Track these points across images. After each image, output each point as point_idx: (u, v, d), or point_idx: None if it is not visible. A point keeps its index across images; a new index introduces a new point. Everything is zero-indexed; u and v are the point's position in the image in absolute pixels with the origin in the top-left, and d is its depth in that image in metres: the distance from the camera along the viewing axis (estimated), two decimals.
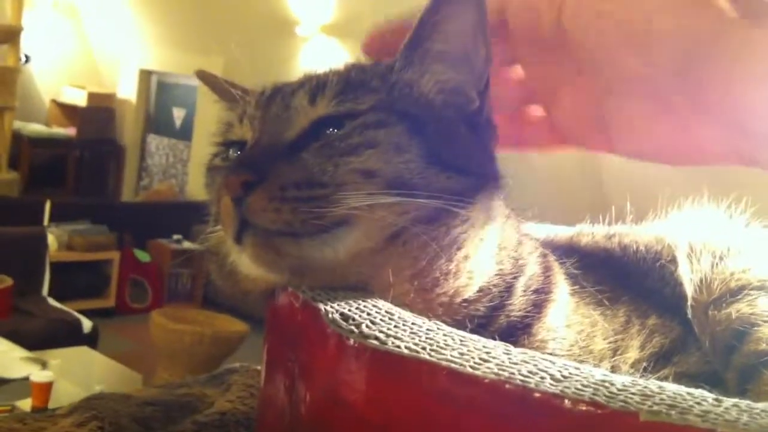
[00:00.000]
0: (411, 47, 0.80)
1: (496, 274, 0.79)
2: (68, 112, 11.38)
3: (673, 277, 0.90)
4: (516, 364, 0.56)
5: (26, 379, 3.85)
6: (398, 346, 0.59)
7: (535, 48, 0.82)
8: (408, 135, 0.75)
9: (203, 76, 0.96)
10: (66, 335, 5.61)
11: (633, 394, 0.52)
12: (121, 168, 11.30)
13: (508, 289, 0.79)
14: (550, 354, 0.68)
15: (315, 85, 0.80)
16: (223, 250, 0.79)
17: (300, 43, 8.10)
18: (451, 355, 0.57)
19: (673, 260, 0.91)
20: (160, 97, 11.16)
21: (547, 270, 0.84)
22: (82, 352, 5.20)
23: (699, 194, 0.98)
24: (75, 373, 4.41)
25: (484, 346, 0.60)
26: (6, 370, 4.23)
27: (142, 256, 8.47)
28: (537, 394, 0.52)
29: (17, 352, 4.53)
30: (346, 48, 7.59)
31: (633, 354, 0.81)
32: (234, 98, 0.89)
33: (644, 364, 0.80)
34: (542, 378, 0.54)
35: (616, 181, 5.46)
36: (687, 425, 0.48)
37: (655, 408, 0.50)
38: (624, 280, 0.91)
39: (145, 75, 10.98)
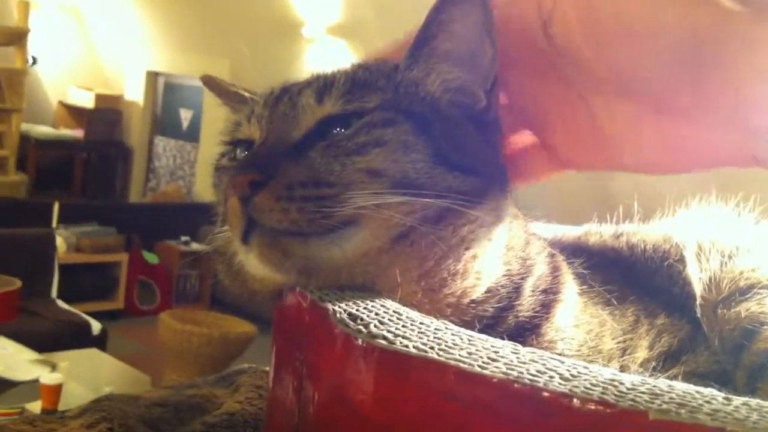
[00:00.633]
0: (417, 46, 0.80)
1: (504, 275, 0.79)
2: (75, 113, 11.41)
3: (682, 277, 0.90)
4: (524, 363, 0.56)
5: (35, 381, 3.85)
6: (406, 346, 0.59)
7: (524, 71, 0.82)
8: (415, 134, 0.75)
9: (208, 82, 0.96)
10: (75, 337, 5.62)
11: (642, 393, 0.51)
12: (128, 169, 11.33)
13: (517, 290, 0.79)
14: (559, 354, 0.68)
15: (322, 85, 0.80)
16: (231, 250, 0.79)
17: (306, 44, 8.10)
18: (460, 355, 0.57)
19: (681, 259, 0.90)
20: (167, 98, 11.18)
21: (555, 270, 0.84)
22: (91, 354, 5.20)
23: (707, 193, 0.98)
24: (84, 375, 4.42)
25: (492, 346, 0.59)
26: (15, 372, 4.23)
27: (151, 257, 8.49)
28: (546, 394, 0.52)
29: (26, 354, 4.53)
30: (352, 49, 7.59)
31: (642, 353, 0.81)
32: (241, 99, 0.89)
33: (653, 363, 0.79)
34: (551, 377, 0.54)
35: (624, 180, 5.45)
36: (696, 424, 0.48)
37: (665, 407, 0.49)
38: (632, 279, 0.91)
39: (152, 76, 11.00)
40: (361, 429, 0.61)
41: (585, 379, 0.53)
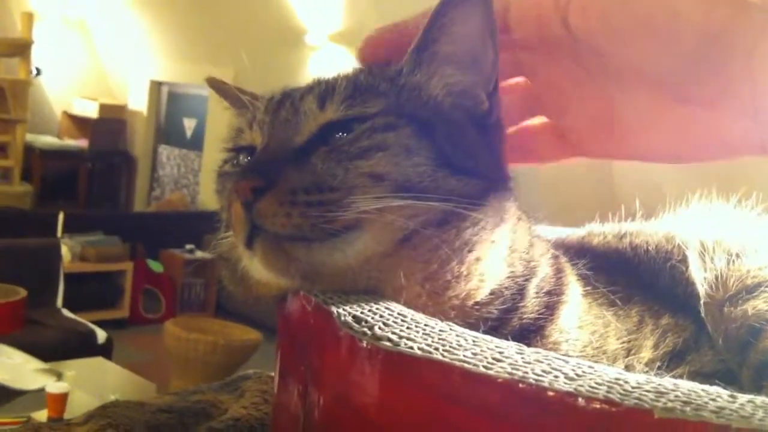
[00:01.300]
0: (419, 50, 0.80)
1: (508, 277, 0.79)
2: (79, 123, 11.45)
3: (684, 277, 0.89)
4: (529, 363, 0.56)
5: (41, 390, 3.86)
6: (411, 347, 0.59)
7: (541, 54, 0.82)
8: (417, 138, 0.75)
9: (213, 83, 0.97)
10: (80, 346, 5.63)
11: (647, 391, 0.51)
12: (132, 179, 11.35)
13: (520, 292, 0.79)
14: (564, 355, 0.68)
15: (324, 90, 0.80)
16: (235, 256, 0.79)
17: (309, 51, 8.12)
18: (464, 356, 0.57)
19: (684, 260, 0.90)
20: (170, 107, 11.21)
21: (558, 271, 0.84)
22: (97, 362, 5.21)
23: (707, 190, 0.98)
24: (90, 384, 4.42)
25: (497, 346, 0.59)
26: (21, 381, 4.24)
27: (155, 266, 8.50)
28: (551, 393, 0.52)
29: (32, 363, 4.54)
30: (354, 56, 7.59)
31: (647, 354, 0.80)
32: (244, 104, 0.89)
33: (658, 363, 0.79)
34: (556, 377, 0.54)
35: (626, 179, 5.45)
36: (701, 421, 0.48)
37: (670, 405, 0.49)
38: (636, 280, 0.91)
39: (156, 86, 11.03)
40: (367, 431, 0.61)
41: (590, 379, 0.53)
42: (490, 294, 0.77)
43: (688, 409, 0.49)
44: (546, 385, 0.53)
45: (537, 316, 0.78)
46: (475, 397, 0.55)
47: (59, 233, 7.42)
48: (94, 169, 11.37)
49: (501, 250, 0.78)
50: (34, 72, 10.26)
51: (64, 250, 7.21)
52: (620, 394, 0.51)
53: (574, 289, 0.83)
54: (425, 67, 0.80)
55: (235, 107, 0.93)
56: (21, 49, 9.44)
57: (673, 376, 0.70)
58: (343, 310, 0.66)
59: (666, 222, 1.01)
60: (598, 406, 0.51)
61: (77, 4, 11.07)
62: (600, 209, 1.07)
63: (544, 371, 0.54)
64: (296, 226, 0.71)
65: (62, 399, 3.61)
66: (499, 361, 0.56)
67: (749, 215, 0.95)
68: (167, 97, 11.21)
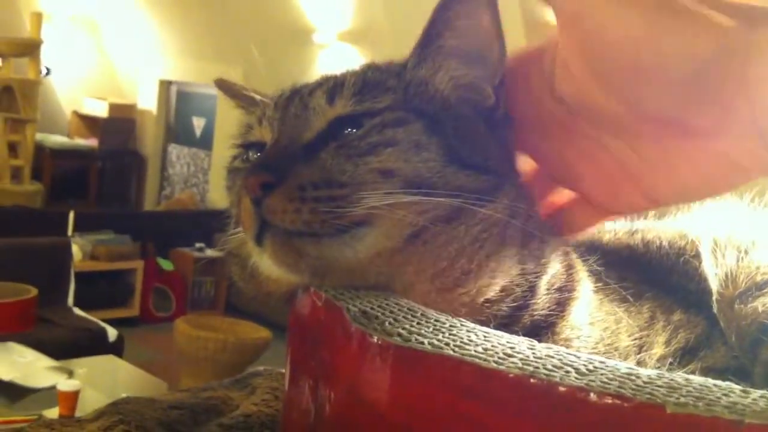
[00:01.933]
0: (424, 44, 0.80)
1: (519, 274, 0.78)
2: (89, 123, 11.49)
3: (698, 273, 0.89)
4: (540, 358, 0.56)
5: (53, 388, 3.87)
6: (421, 343, 0.59)
7: (542, 133, 0.81)
8: (426, 133, 0.75)
9: (222, 84, 0.97)
10: (91, 344, 5.64)
11: (659, 386, 0.51)
12: (142, 178, 11.39)
13: (531, 288, 0.79)
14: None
15: (333, 85, 0.80)
16: (244, 252, 0.79)
17: (317, 50, 8.12)
18: (475, 351, 0.57)
19: (697, 255, 0.90)
20: (180, 106, 11.23)
21: (569, 268, 0.84)
22: (108, 360, 5.22)
23: None
24: (101, 382, 4.44)
25: (508, 342, 0.59)
26: (33, 379, 4.25)
27: (166, 264, 8.52)
28: (562, 388, 0.52)
29: (43, 361, 4.56)
30: (363, 55, 7.60)
31: (658, 350, 0.80)
32: (254, 102, 0.89)
33: (670, 359, 0.79)
34: (567, 372, 0.53)
35: None
36: (714, 416, 0.48)
37: (682, 400, 0.49)
38: (648, 276, 0.91)
39: (165, 85, 11.06)
40: (378, 427, 0.61)
41: (601, 374, 0.53)
42: (501, 291, 0.76)
43: (700, 404, 0.49)
44: (557, 380, 0.52)
45: (548, 312, 0.78)
46: (486, 393, 0.55)
47: (70, 232, 7.45)
48: (104, 169, 11.41)
49: (511, 247, 0.78)
50: (44, 72, 10.29)
51: (75, 249, 7.23)
52: (632, 389, 0.51)
53: (585, 285, 0.83)
54: (431, 62, 0.80)
55: (245, 105, 0.93)
56: (30, 49, 9.47)
57: (686, 373, 0.70)
58: (354, 305, 0.66)
59: (679, 219, 1.00)
60: (609, 401, 0.50)
61: (86, 4, 11.10)
62: None
63: (555, 366, 0.54)
64: (306, 222, 0.71)
65: (73, 397, 3.62)
66: (510, 356, 0.56)
67: (763, 213, 0.94)
68: (176, 96, 11.23)
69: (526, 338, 0.61)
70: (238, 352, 5.87)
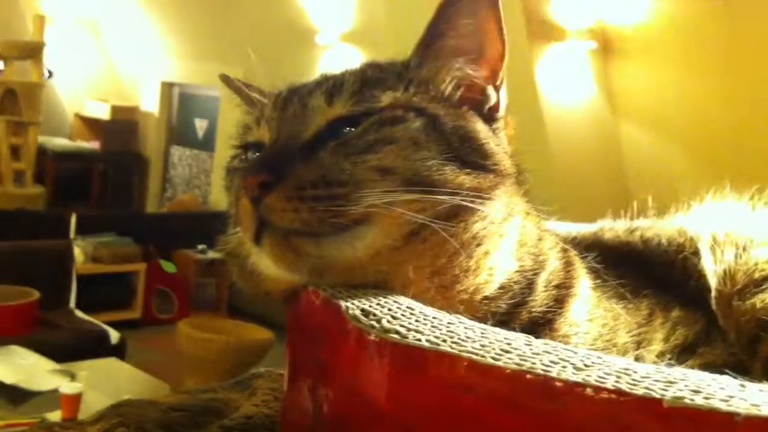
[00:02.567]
0: (426, 44, 0.80)
1: (517, 271, 0.78)
2: (92, 125, 11.50)
3: (697, 270, 0.89)
4: (537, 354, 0.56)
5: (55, 391, 3.87)
6: (419, 340, 0.59)
7: None
8: (425, 131, 0.75)
9: (226, 80, 0.97)
10: (93, 347, 5.63)
11: (656, 381, 0.51)
12: (145, 180, 11.38)
13: (529, 285, 0.79)
14: None
15: (332, 86, 0.80)
16: (243, 252, 0.79)
17: (320, 51, 8.12)
18: (473, 347, 0.57)
19: (696, 252, 0.90)
20: (182, 108, 11.23)
21: (568, 265, 0.84)
22: (111, 363, 5.22)
23: (721, 186, 0.97)
24: (104, 385, 4.43)
25: (505, 338, 0.59)
26: (35, 382, 4.25)
27: (168, 266, 8.51)
28: (559, 383, 0.52)
29: (45, 364, 4.55)
30: (365, 55, 7.60)
31: (657, 346, 0.80)
32: (254, 102, 0.90)
33: (668, 356, 0.79)
34: (564, 367, 0.53)
35: (638, 175, 5.44)
36: (711, 410, 0.48)
37: (679, 394, 0.49)
38: (647, 273, 0.91)
39: (167, 87, 11.05)
40: (376, 424, 0.61)
41: (598, 369, 0.53)
42: (499, 288, 0.77)
43: (697, 398, 0.49)
44: (554, 375, 0.52)
45: (546, 309, 0.78)
46: (484, 389, 0.55)
47: (72, 234, 7.44)
48: (106, 171, 11.40)
49: (510, 245, 0.78)
50: (46, 74, 10.30)
51: (77, 251, 7.23)
52: (629, 383, 0.51)
53: (583, 282, 0.83)
54: (432, 61, 0.80)
55: (247, 104, 0.93)
56: (33, 51, 9.48)
57: (684, 369, 0.70)
58: (352, 303, 0.66)
59: (679, 218, 1.00)
60: (606, 395, 0.50)
61: (88, 7, 11.10)
62: (613, 206, 1.07)
63: (552, 362, 0.54)
64: (304, 221, 0.71)
65: (76, 400, 3.62)
66: (507, 352, 0.56)
67: (761, 210, 0.94)
68: (179, 98, 11.23)
69: (524, 335, 0.61)
70: (240, 353, 5.87)
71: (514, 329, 0.73)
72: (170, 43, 10.33)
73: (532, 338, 0.60)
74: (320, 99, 0.80)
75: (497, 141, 0.81)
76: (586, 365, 0.54)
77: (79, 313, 6.30)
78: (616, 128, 5.73)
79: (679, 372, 0.53)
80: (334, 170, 0.73)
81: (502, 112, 0.82)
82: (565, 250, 0.85)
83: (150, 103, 11.13)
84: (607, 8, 5.33)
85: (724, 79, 4.84)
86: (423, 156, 0.74)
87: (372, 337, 0.61)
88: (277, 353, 5.74)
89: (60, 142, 11.07)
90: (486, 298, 0.76)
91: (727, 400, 0.48)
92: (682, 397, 0.49)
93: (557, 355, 0.56)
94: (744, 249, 0.85)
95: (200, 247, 8.51)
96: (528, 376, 0.53)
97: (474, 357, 0.56)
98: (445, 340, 0.58)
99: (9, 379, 4.21)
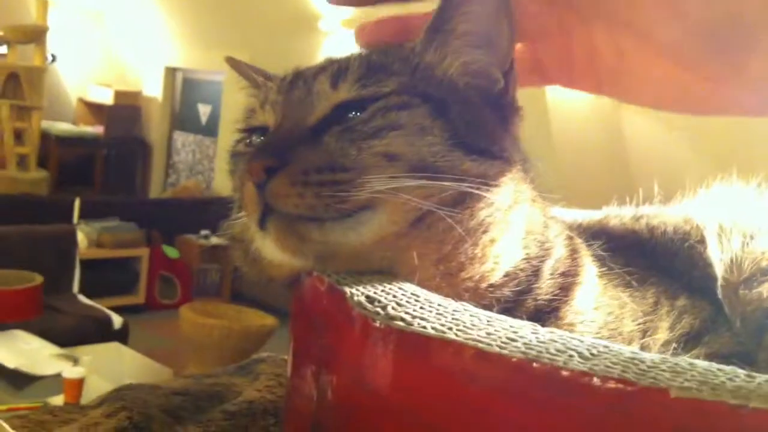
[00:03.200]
0: (433, 29, 0.80)
1: (523, 258, 0.78)
2: (95, 110, 11.50)
3: (702, 258, 0.89)
4: (543, 343, 0.55)
5: (58, 375, 3.89)
6: (424, 327, 0.59)
7: None
8: (431, 117, 0.74)
9: (232, 63, 0.97)
10: (96, 332, 5.66)
11: (663, 370, 0.51)
12: (148, 165, 11.39)
13: (535, 273, 0.78)
14: None
15: (337, 69, 0.79)
16: (248, 237, 0.79)
17: (323, 37, 8.10)
18: (478, 335, 0.57)
19: (702, 241, 0.89)
20: (185, 93, 11.23)
21: (573, 252, 0.83)
22: (113, 348, 5.24)
23: (727, 173, 0.97)
24: (106, 369, 4.44)
25: (511, 326, 0.59)
26: (38, 367, 4.27)
27: (171, 252, 8.53)
28: (565, 373, 0.52)
29: (48, 349, 4.57)
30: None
31: (663, 335, 0.80)
32: (258, 85, 0.89)
33: (674, 345, 0.79)
34: (570, 356, 0.53)
35: (643, 163, 5.43)
36: (719, 401, 0.47)
37: (686, 384, 0.49)
38: (653, 261, 0.90)
39: (171, 72, 11.05)
40: (380, 411, 0.61)
41: (605, 358, 0.53)
42: (505, 276, 0.76)
43: (705, 388, 0.48)
44: (560, 364, 0.52)
45: (552, 297, 0.78)
46: (489, 377, 0.55)
47: (75, 219, 7.46)
48: (109, 156, 11.42)
49: (516, 232, 0.78)
50: (50, 59, 10.30)
51: (81, 237, 7.24)
52: (636, 373, 0.50)
53: (589, 270, 0.83)
54: (439, 47, 0.79)
55: (253, 87, 0.93)
56: (36, 35, 9.47)
57: (690, 358, 0.69)
58: (356, 290, 0.66)
59: (685, 205, 1.00)
60: (613, 385, 0.50)
61: None
62: (617, 193, 1.06)
63: (558, 351, 0.54)
64: (309, 207, 0.70)
65: (78, 384, 3.63)
66: (513, 340, 0.56)
67: None
68: (182, 83, 11.22)
69: (530, 323, 0.61)
70: (243, 339, 5.89)
71: (519, 317, 0.72)
72: (174, 28, 10.31)
73: (538, 326, 0.59)
74: (325, 83, 0.79)
75: (504, 127, 0.80)
76: (592, 354, 0.53)
77: (82, 298, 6.32)
78: (620, 115, 5.71)
79: (686, 362, 0.52)
80: (339, 155, 0.73)
81: (510, 97, 0.81)
82: (571, 238, 0.85)
83: (153, 88, 11.13)
84: None
85: None
86: (429, 142, 0.73)
87: (377, 324, 0.61)
88: (280, 339, 5.76)
89: (63, 127, 11.08)
90: (491, 285, 0.75)
91: (734, 391, 0.48)
92: (690, 388, 0.48)
93: (564, 343, 0.55)
94: (751, 237, 0.85)
95: (203, 232, 8.53)
96: (534, 365, 0.53)
97: (480, 345, 0.55)
98: (450, 328, 0.58)
99: (12, 363, 4.23)
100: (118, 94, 11.22)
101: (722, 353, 0.78)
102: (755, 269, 0.82)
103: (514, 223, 0.77)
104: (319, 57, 0.85)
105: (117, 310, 6.35)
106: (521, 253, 0.78)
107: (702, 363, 0.53)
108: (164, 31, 10.53)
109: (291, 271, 0.76)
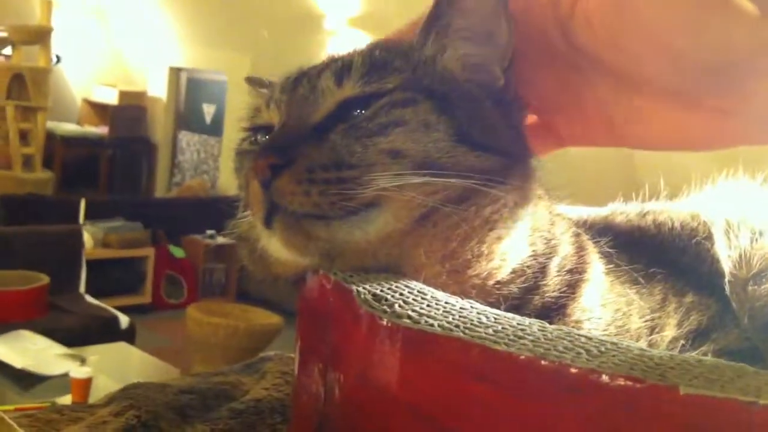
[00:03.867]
0: (430, 23, 0.79)
1: (530, 255, 0.78)
2: (100, 111, 11.52)
3: (710, 254, 0.88)
4: (551, 340, 0.55)
5: (65, 375, 3.89)
6: (431, 325, 0.58)
7: (532, 61, 0.81)
8: (435, 113, 0.74)
9: (253, 81, 0.96)
10: (103, 332, 5.67)
11: (672, 367, 0.51)
12: (153, 165, 11.40)
13: (542, 270, 0.78)
14: None
15: (340, 67, 0.79)
16: (254, 235, 0.79)
17: (327, 36, 8.10)
18: (485, 333, 0.57)
19: (709, 237, 0.89)
20: (190, 93, 11.23)
21: (580, 249, 0.83)
22: (120, 347, 5.25)
23: (734, 168, 0.96)
24: (113, 369, 4.45)
25: (518, 323, 0.59)
26: (45, 367, 4.28)
27: (177, 251, 8.54)
28: (573, 370, 0.51)
29: (56, 349, 4.58)
30: (372, 40, 7.57)
31: (670, 332, 0.79)
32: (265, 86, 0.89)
33: (682, 341, 0.78)
34: (578, 354, 0.53)
35: (649, 159, 5.41)
36: (728, 398, 0.47)
37: (695, 381, 0.49)
38: (659, 258, 0.90)
39: (175, 72, 11.05)
40: (388, 410, 0.61)
41: (613, 355, 0.53)
42: (511, 273, 0.76)
43: (714, 385, 0.48)
44: (568, 361, 0.52)
45: (559, 294, 0.77)
46: (497, 375, 0.55)
47: (81, 220, 7.47)
48: (114, 156, 11.43)
49: (522, 229, 0.77)
50: (54, 60, 10.30)
51: (86, 237, 7.26)
52: (644, 370, 0.50)
53: (596, 267, 0.82)
54: (438, 41, 0.79)
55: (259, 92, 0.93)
56: (41, 36, 9.49)
57: (698, 355, 0.69)
58: (363, 288, 0.66)
59: (691, 201, 0.99)
60: (621, 382, 0.50)
61: None
62: (623, 190, 1.06)
63: (566, 348, 0.54)
64: (315, 204, 0.70)
65: (86, 384, 3.64)
66: (520, 338, 0.56)
67: None
68: (186, 83, 11.23)
69: (537, 320, 0.61)
70: (249, 338, 5.89)
71: (526, 314, 0.72)
72: (178, 28, 10.32)
73: (545, 324, 0.59)
74: (329, 80, 0.79)
75: (508, 123, 0.80)
76: (600, 351, 0.53)
77: (88, 298, 6.33)
78: None
79: (694, 359, 0.52)
80: (344, 153, 0.73)
81: (512, 93, 0.81)
82: (577, 235, 0.84)
83: (158, 89, 11.14)
84: None
85: None
86: (433, 138, 0.73)
87: (384, 322, 0.61)
88: (286, 338, 5.76)
89: (68, 128, 11.10)
90: (498, 283, 0.75)
91: (743, 389, 0.48)
92: (699, 385, 0.48)
93: (571, 341, 0.55)
94: (760, 234, 0.84)
95: (209, 232, 8.54)
96: (542, 362, 0.52)
97: (487, 343, 0.55)
98: (457, 326, 0.58)
99: (19, 363, 4.24)
100: (123, 95, 11.24)
101: (731, 350, 0.78)
102: (764, 265, 0.81)
103: (520, 220, 0.77)
104: (324, 56, 0.85)
105: (123, 309, 6.36)
106: (528, 250, 0.78)
107: (710, 360, 0.53)
108: (168, 32, 10.54)
109: (297, 269, 0.76)
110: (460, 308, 0.62)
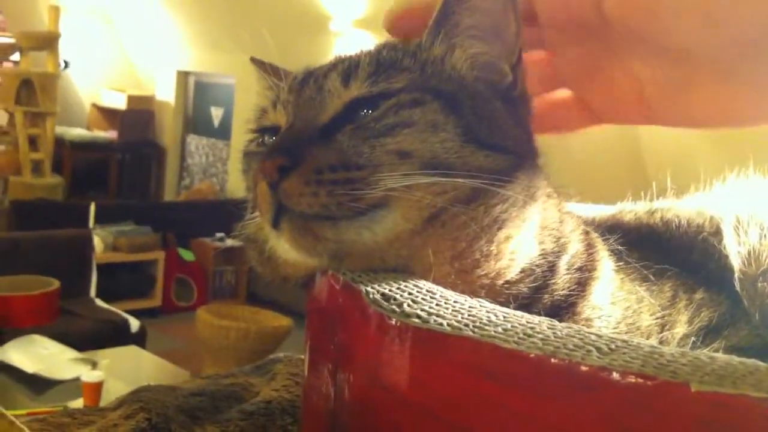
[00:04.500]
0: (439, 23, 0.79)
1: (539, 254, 0.77)
2: (108, 115, 11.56)
3: (717, 250, 0.88)
4: (561, 338, 0.55)
5: (77, 379, 3.90)
6: (441, 324, 0.58)
7: (568, 36, 0.81)
8: (443, 113, 0.74)
9: (257, 62, 0.96)
10: (114, 335, 5.68)
11: (683, 364, 0.50)
12: (162, 169, 11.44)
13: (551, 269, 0.78)
14: None
15: (347, 67, 0.79)
16: (262, 237, 0.79)
17: (333, 38, 8.11)
18: (495, 332, 0.56)
19: (716, 233, 0.88)
20: (198, 97, 11.26)
21: (589, 247, 0.83)
22: (131, 351, 5.26)
23: (743, 165, 0.96)
24: (124, 373, 4.46)
25: (528, 322, 0.59)
26: (57, 371, 4.29)
27: (187, 255, 8.56)
28: (584, 368, 0.51)
29: (67, 353, 4.59)
30: (379, 42, 7.57)
31: (681, 329, 0.79)
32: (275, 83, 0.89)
33: (693, 338, 0.78)
34: (588, 351, 0.53)
35: (657, 157, 5.39)
36: (740, 394, 0.47)
37: (707, 378, 0.48)
38: (668, 255, 0.90)
39: (183, 76, 11.09)
40: (398, 409, 0.61)
41: (624, 353, 0.52)
42: (521, 272, 0.76)
43: (726, 382, 0.48)
44: (579, 359, 0.52)
45: (568, 292, 0.77)
46: (507, 373, 0.55)
47: (91, 224, 7.49)
48: (123, 160, 11.47)
49: (531, 228, 0.77)
50: (63, 65, 10.34)
51: (96, 241, 7.28)
52: (655, 367, 0.50)
53: (605, 264, 0.82)
54: (446, 40, 0.79)
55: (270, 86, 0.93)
56: (49, 42, 9.52)
57: (710, 351, 0.69)
58: (372, 288, 0.66)
59: (699, 198, 0.99)
60: (633, 380, 0.50)
61: None
62: (631, 188, 1.05)
63: (576, 346, 0.54)
64: (323, 205, 0.70)
65: (97, 388, 3.65)
66: (530, 336, 0.56)
67: None
68: (194, 86, 11.26)
69: (547, 318, 0.60)
70: (259, 340, 5.90)
71: (536, 313, 0.72)
72: (185, 32, 10.34)
73: (555, 322, 0.59)
74: (336, 81, 0.79)
75: (516, 121, 0.79)
76: (611, 349, 0.53)
77: (99, 302, 6.35)
78: None
79: (705, 356, 0.52)
80: (352, 154, 0.72)
81: (520, 91, 0.81)
82: (586, 233, 0.84)
83: (166, 93, 11.17)
84: None
85: None
86: (441, 138, 0.73)
87: (393, 322, 0.61)
88: (295, 340, 5.77)
89: (77, 132, 11.14)
90: (507, 282, 0.75)
91: (756, 385, 0.47)
92: (710, 381, 0.48)
93: (581, 338, 0.55)
94: None
95: (218, 235, 8.56)
96: (552, 360, 0.52)
97: (496, 342, 0.55)
98: (467, 325, 0.58)
99: (30, 368, 4.25)
100: (131, 99, 11.27)
101: (742, 346, 0.77)
102: None
103: (529, 219, 0.76)
104: (331, 58, 0.85)
105: (134, 313, 6.37)
106: (537, 249, 0.77)
107: (722, 357, 0.52)
108: (176, 36, 10.56)
109: (306, 271, 0.76)
110: (470, 307, 0.62)
